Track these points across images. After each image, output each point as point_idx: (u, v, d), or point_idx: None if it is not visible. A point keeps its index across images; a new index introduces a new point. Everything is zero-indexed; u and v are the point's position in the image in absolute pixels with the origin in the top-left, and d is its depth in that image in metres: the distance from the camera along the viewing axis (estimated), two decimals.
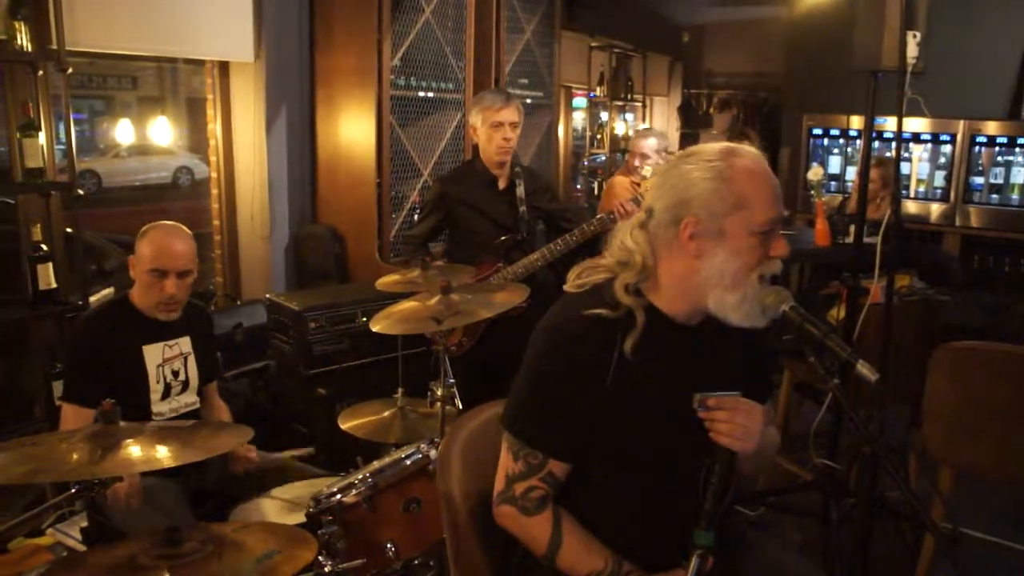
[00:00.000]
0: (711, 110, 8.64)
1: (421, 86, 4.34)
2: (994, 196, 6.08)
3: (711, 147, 1.54)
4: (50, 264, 3.01)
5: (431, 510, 2.16)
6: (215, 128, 4.18)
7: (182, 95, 12.44)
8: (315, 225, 4.35)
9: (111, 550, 1.49)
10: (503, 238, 3.31)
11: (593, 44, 7.08)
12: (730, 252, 1.48)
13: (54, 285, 3.02)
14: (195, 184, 11.60)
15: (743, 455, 1.51)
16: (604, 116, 7.76)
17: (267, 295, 3.70)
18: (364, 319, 3.37)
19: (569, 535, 1.55)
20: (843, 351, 1.45)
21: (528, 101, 5.27)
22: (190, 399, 2.65)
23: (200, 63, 4.20)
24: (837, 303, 3.48)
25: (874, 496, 2.81)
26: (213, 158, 4.23)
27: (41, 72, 3.02)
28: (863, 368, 1.42)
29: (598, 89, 7.40)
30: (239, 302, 4.15)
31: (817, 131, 6.81)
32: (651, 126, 8.13)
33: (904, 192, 6.26)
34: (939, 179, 6.26)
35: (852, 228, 3.26)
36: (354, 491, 2.13)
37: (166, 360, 2.57)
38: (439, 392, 2.58)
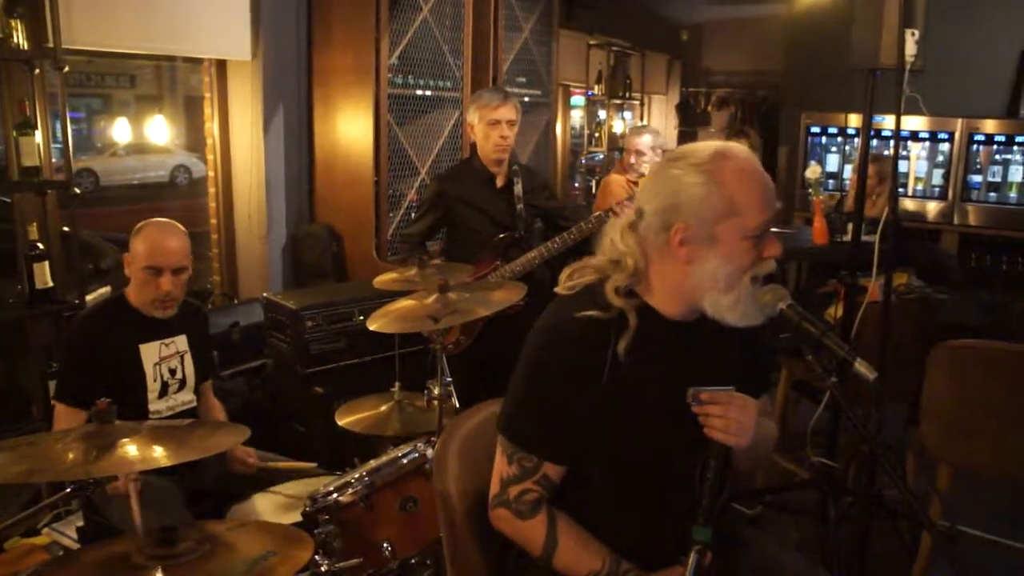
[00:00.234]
0: (709, 108, 8.64)
1: (419, 84, 4.33)
2: (992, 194, 6.08)
3: (701, 149, 1.51)
4: (46, 263, 3.00)
5: (428, 509, 2.16)
6: (212, 127, 4.17)
7: (180, 94, 12.42)
8: (312, 224, 4.34)
9: (105, 549, 1.48)
10: (501, 236, 3.30)
11: (591, 42, 7.08)
12: (722, 257, 1.47)
13: (50, 284, 3.01)
14: (193, 183, 11.58)
15: (738, 450, 1.51)
16: (602, 114, 7.75)
17: (264, 294, 3.69)
18: (361, 318, 3.37)
19: (564, 536, 1.55)
20: (841, 349, 1.45)
21: (526, 99, 5.26)
22: (187, 397, 2.65)
23: (198, 62, 4.19)
24: (835, 301, 3.48)
25: (872, 494, 2.81)
26: (210, 157, 4.23)
27: (37, 70, 3.01)
28: (861, 366, 1.42)
29: (596, 87, 7.40)
30: (236, 301, 4.15)
31: (815, 129, 6.82)
32: (649, 124, 8.12)
33: (902, 190, 6.27)
34: (937, 177, 6.27)
35: (850, 226, 3.25)
36: (350, 490, 2.13)
37: (163, 358, 2.57)
38: (436, 391, 2.58)
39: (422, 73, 4.34)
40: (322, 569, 1.98)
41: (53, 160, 3.17)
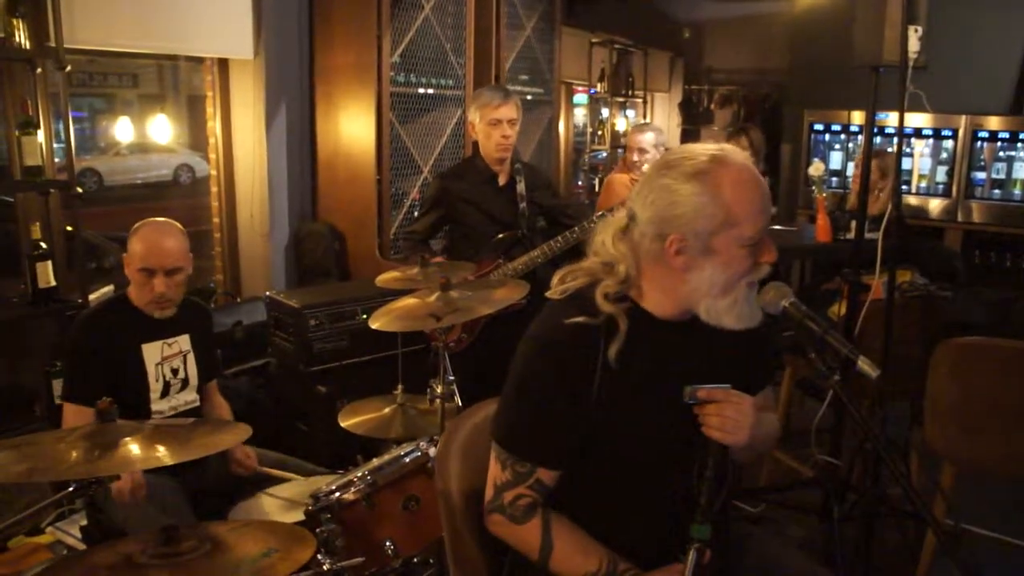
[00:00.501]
0: (712, 106, 8.62)
1: (421, 83, 4.33)
2: (996, 191, 6.06)
3: (696, 154, 1.47)
4: (49, 262, 3.00)
5: (430, 508, 2.15)
6: (215, 126, 4.17)
7: (183, 93, 12.42)
8: (315, 222, 4.34)
9: (108, 549, 1.48)
10: (503, 234, 3.30)
11: (594, 40, 7.07)
12: (719, 265, 1.46)
13: (53, 283, 3.02)
14: (196, 182, 11.59)
15: (735, 447, 1.50)
16: (605, 112, 7.75)
17: (267, 293, 3.70)
18: (364, 316, 3.37)
19: (560, 539, 1.54)
20: (843, 347, 1.44)
21: (528, 97, 5.26)
22: (190, 397, 2.65)
23: (200, 61, 4.20)
24: (838, 299, 3.47)
25: (876, 493, 2.80)
26: (213, 156, 4.23)
27: (40, 70, 3.01)
28: (864, 364, 1.41)
29: (599, 85, 7.39)
30: (239, 300, 4.15)
31: (818, 127, 6.80)
32: (651, 122, 8.11)
33: (905, 188, 6.25)
34: (941, 174, 6.25)
35: (853, 224, 3.24)
36: (353, 489, 2.12)
37: (165, 358, 2.57)
38: (439, 389, 2.58)
39: (424, 71, 4.34)
40: (324, 568, 1.97)
41: (56, 160, 3.18)
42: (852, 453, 3.01)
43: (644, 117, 8.35)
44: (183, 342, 2.62)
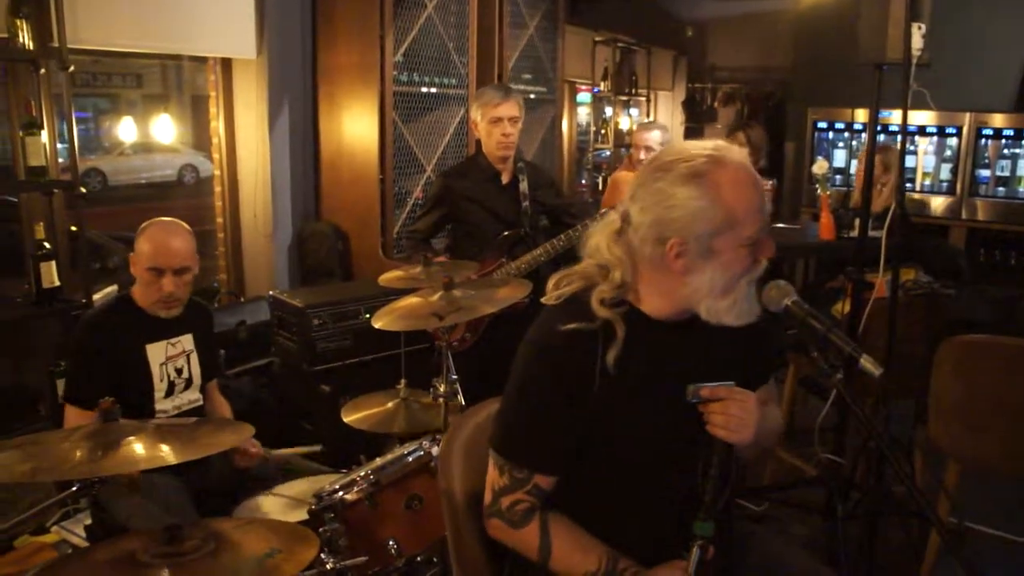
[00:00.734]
0: (715, 104, 8.61)
1: (424, 82, 4.33)
2: (1000, 189, 6.05)
3: (690, 156, 1.44)
4: (53, 262, 3.01)
5: (433, 507, 2.16)
6: (218, 126, 4.18)
7: (186, 93, 12.44)
8: (318, 222, 4.34)
9: (111, 547, 1.49)
10: (506, 233, 3.30)
11: (597, 39, 7.06)
12: (719, 266, 1.44)
13: (57, 283, 3.02)
14: (200, 182, 11.60)
15: (740, 445, 1.49)
16: (608, 111, 7.74)
17: (270, 292, 3.70)
18: (367, 316, 3.37)
19: (559, 541, 1.54)
20: (846, 346, 1.44)
21: (531, 96, 5.26)
22: (193, 396, 2.65)
23: (203, 60, 4.20)
24: (842, 297, 3.46)
25: (879, 491, 2.80)
26: (216, 155, 4.24)
27: (43, 70, 3.02)
28: (867, 362, 1.41)
29: (602, 84, 7.38)
30: (242, 299, 4.15)
31: (822, 125, 6.79)
32: (655, 120, 8.10)
33: (909, 185, 6.24)
34: (945, 172, 6.24)
35: (857, 222, 3.24)
36: (356, 488, 2.13)
37: (169, 358, 2.57)
38: (442, 388, 2.58)
39: (427, 70, 4.34)
40: (328, 567, 1.98)
41: (60, 160, 3.18)
42: (856, 451, 3.01)
43: (647, 116, 8.34)
44: (186, 341, 2.62)
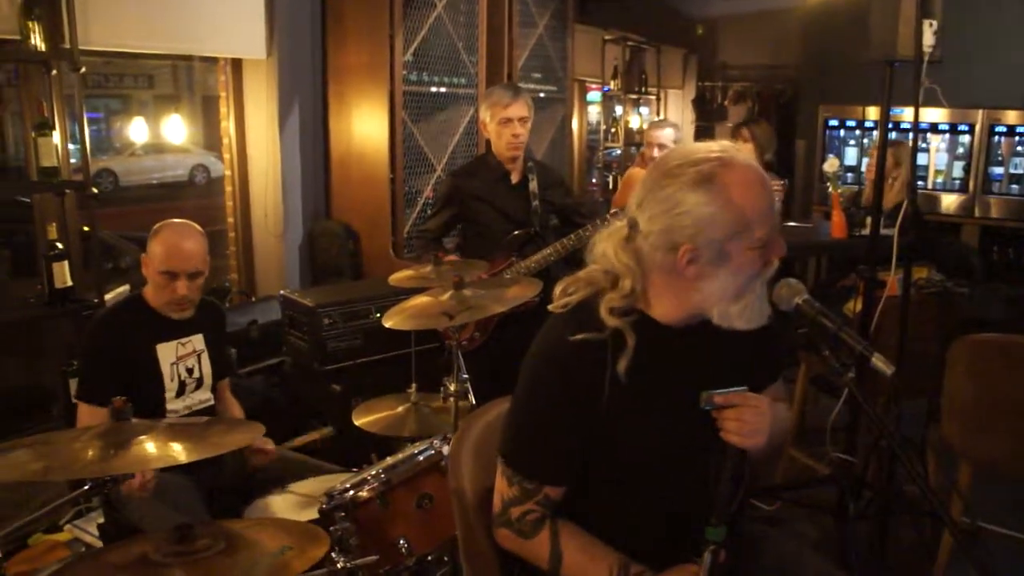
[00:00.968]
0: (726, 103, 8.57)
1: (433, 81, 4.34)
2: (1014, 186, 6.01)
3: (697, 160, 1.42)
4: (66, 263, 3.03)
5: (444, 506, 2.15)
6: (228, 126, 4.20)
7: (197, 93, 12.50)
8: (328, 221, 4.35)
9: (124, 547, 1.49)
10: (516, 232, 3.30)
11: (607, 37, 7.05)
12: (732, 271, 1.43)
13: (70, 283, 3.04)
14: (211, 182, 11.66)
15: (754, 451, 1.48)
16: (619, 110, 7.73)
17: (281, 292, 3.71)
18: (378, 315, 3.38)
19: (569, 550, 1.53)
20: (858, 344, 1.43)
21: (541, 95, 5.26)
22: (204, 396, 2.66)
23: (214, 61, 4.22)
24: (854, 296, 3.45)
25: (891, 491, 2.79)
26: (227, 156, 4.25)
27: (55, 71, 3.03)
28: (878, 361, 1.40)
29: (612, 83, 7.37)
30: (254, 299, 4.17)
31: (833, 122, 6.77)
32: (666, 118, 8.09)
33: (922, 183, 6.20)
34: (957, 170, 6.20)
35: (869, 220, 3.22)
36: (367, 487, 2.13)
37: (180, 358, 2.58)
38: (452, 387, 2.58)
39: (437, 70, 4.34)
40: (338, 566, 1.98)
41: (72, 160, 3.20)
42: (867, 451, 2.99)
43: (658, 114, 8.32)
44: (197, 341, 2.63)
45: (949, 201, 6.25)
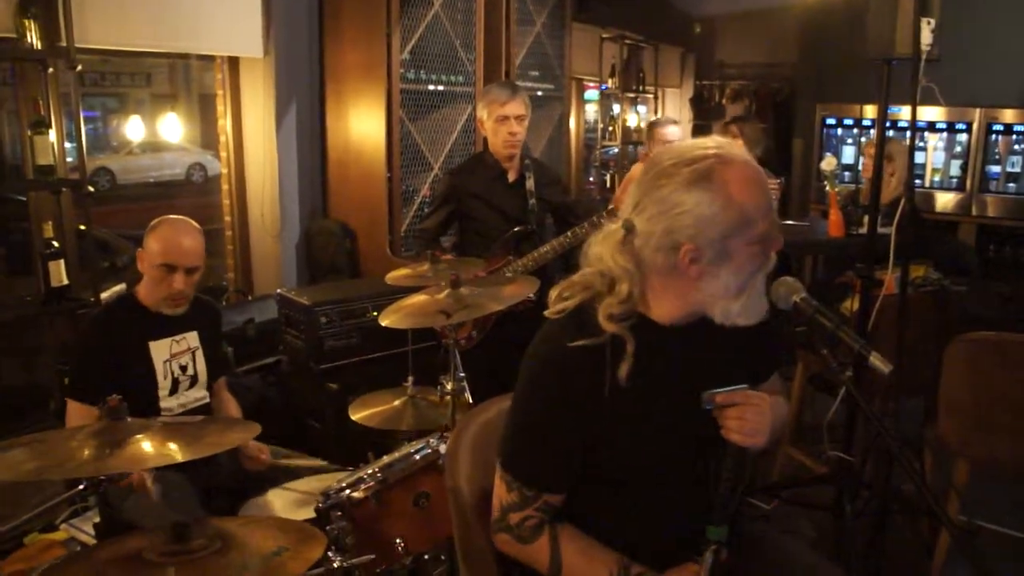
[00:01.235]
0: (723, 101, 8.57)
1: (431, 79, 4.33)
2: (1011, 185, 6.01)
3: (692, 158, 1.40)
4: (62, 261, 3.02)
5: (440, 505, 2.15)
6: (225, 124, 4.19)
7: (194, 91, 12.46)
8: (325, 220, 4.35)
9: (118, 545, 1.49)
10: (513, 230, 3.29)
11: (604, 36, 7.04)
12: (734, 267, 1.42)
13: (66, 282, 3.03)
14: (208, 180, 11.61)
15: (755, 449, 1.47)
16: (616, 108, 7.72)
17: (278, 290, 3.70)
18: (375, 314, 3.36)
19: (569, 553, 1.52)
20: (855, 343, 1.43)
21: (539, 94, 5.25)
22: (199, 394, 2.65)
23: (211, 59, 4.21)
24: (851, 294, 3.45)
25: (889, 489, 2.79)
26: (224, 154, 4.24)
27: (51, 70, 3.03)
28: (876, 359, 1.40)
29: (610, 81, 7.36)
30: (250, 297, 4.17)
31: (830, 121, 6.77)
32: (665, 116, 8.07)
33: (919, 181, 6.20)
34: (955, 168, 6.20)
35: (866, 218, 3.22)
36: (363, 486, 2.12)
37: (173, 355, 2.58)
38: (449, 386, 2.57)
39: (434, 68, 4.33)
40: (335, 565, 1.98)
41: (68, 159, 3.19)
42: (865, 449, 2.99)
43: (655, 113, 8.31)
44: (191, 339, 2.63)
45: (946, 199, 6.25)
